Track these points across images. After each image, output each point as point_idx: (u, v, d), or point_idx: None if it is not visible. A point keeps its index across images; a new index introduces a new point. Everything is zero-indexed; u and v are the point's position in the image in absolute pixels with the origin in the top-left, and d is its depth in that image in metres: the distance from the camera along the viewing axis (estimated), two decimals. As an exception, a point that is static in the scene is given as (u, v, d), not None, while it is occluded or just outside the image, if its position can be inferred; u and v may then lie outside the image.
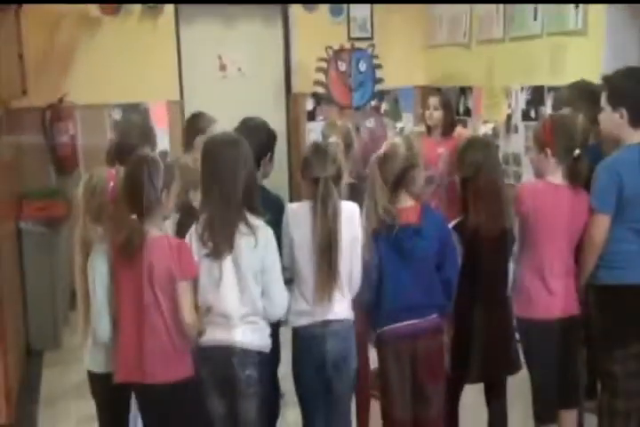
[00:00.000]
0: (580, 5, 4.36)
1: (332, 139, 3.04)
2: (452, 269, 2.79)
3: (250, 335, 2.61)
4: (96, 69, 5.24)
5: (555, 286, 2.88)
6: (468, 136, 3.19)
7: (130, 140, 3.29)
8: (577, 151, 2.84)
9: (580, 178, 2.87)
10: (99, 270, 2.60)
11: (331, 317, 2.70)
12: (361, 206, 2.75)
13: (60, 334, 4.66)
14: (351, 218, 2.70)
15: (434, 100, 4.33)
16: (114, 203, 2.61)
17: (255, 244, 2.55)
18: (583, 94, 3.42)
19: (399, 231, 2.66)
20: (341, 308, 2.72)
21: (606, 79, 2.98)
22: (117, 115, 5.31)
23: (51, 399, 3.96)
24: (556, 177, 2.89)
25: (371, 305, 2.78)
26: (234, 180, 2.57)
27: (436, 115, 4.31)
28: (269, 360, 2.75)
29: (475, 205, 2.81)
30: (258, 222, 2.59)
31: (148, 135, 3.50)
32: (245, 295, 2.58)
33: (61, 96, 5.10)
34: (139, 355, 2.53)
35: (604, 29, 4.29)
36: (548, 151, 2.87)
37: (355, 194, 2.96)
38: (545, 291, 2.88)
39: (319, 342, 2.70)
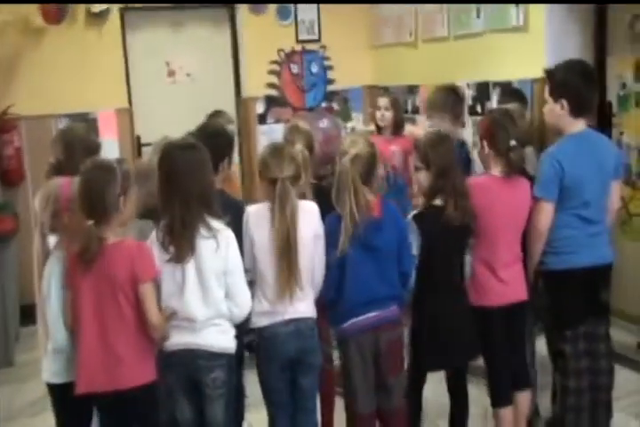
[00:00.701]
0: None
1: (298, 146, 3.08)
2: (408, 261, 2.87)
3: (215, 338, 2.63)
4: (41, 79, 5.17)
5: (504, 274, 2.98)
6: (427, 132, 3.23)
7: (73, 157, 3.26)
8: (512, 142, 2.93)
9: (515, 168, 2.97)
10: (54, 278, 2.60)
11: (293, 316, 2.74)
12: (326, 205, 2.80)
13: (11, 351, 4.54)
14: (310, 217, 2.76)
15: (383, 101, 4.38)
16: (67, 211, 2.61)
17: (217, 246, 2.58)
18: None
19: (362, 225, 2.72)
20: (303, 306, 2.76)
21: (548, 73, 3.08)
22: (64, 125, 5.22)
23: (6, 418, 3.87)
24: (497, 169, 2.98)
25: (332, 300, 2.83)
26: (192, 184, 2.58)
27: (387, 115, 4.36)
28: (235, 362, 2.76)
29: (448, 198, 2.88)
30: (218, 225, 2.61)
31: (91, 149, 3.46)
32: (209, 298, 2.60)
33: (6, 108, 5.01)
34: (102, 363, 2.52)
35: (543, 26, 4.40)
36: (485, 144, 2.98)
37: (318, 194, 3.02)
38: (495, 279, 2.98)
39: (282, 342, 2.74)
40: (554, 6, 4.37)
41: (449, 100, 4.11)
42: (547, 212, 2.98)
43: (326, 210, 2.82)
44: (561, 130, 3.04)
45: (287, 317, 2.74)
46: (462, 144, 4.05)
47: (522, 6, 4.47)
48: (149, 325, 2.52)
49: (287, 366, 2.77)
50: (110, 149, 5.02)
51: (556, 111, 3.00)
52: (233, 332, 2.69)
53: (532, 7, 4.44)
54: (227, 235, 2.62)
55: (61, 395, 2.65)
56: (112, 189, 2.51)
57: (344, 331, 2.82)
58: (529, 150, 3.44)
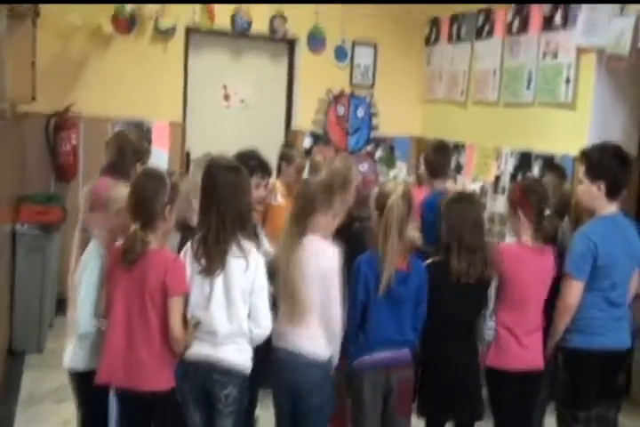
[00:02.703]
0: (571, 80, 4.65)
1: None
2: (424, 309, 2.97)
3: (234, 355, 2.72)
4: (104, 83, 5.38)
5: (526, 340, 3.06)
6: (456, 191, 3.38)
7: (123, 160, 3.42)
8: (547, 212, 3.04)
9: (546, 238, 3.07)
10: (90, 265, 2.73)
11: (285, 345, 2.83)
12: (356, 247, 2.92)
13: (43, 337, 4.69)
14: (319, 254, 2.82)
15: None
16: (102, 209, 2.79)
17: (246, 266, 2.68)
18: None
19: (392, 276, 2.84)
20: (303, 341, 2.83)
21: (584, 154, 3.15)
22: (118, 129, 5.38)
23: (29, 401, 3.98)
24: (526, 237, 3.07)
25: (350, 338, 2.92)
26: (230, 203, 2.70)
27: None
28: (250, 382, 2.83)
29: (455, 252, 2.96)
30: (249, 246, 2.72)
31: (139, 154, 3.62)
32: (233, 314, 2.69)
33: (68, 106, 5.22)
34: (123, 359, 2.61)
35: (591, 104, 4.58)
36: (519, 211, 3.07)
37: (349, 235, 3.13)
38: (516, 344, 3.05)
39: (281, 368, 2.86)
40: (602, 85, 4.54)
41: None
42: (577, 290, 3.03)
43: (355, 252, 2.93)
44: (594, 210, 3.10)
45: (282, 345, 2.84)
46: None
47: (572, 84, 4.65)
48: (170, 337, 2.61)
49: (289, 396, 2.85)
50: (160, 159, 5.20)
51: (592, 192, 3.07)
52: (250, 353, 2.77)
53: (582, 84, 4.61)
54: (257, 257, 2.73)
55: (82, 382, 2.74)
56: (161, 198, 2.64)
57: (358, 366, 2.91)
58: (565, 223, 3.57)
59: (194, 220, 2.91)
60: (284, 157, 4.33)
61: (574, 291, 3.03)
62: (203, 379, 2.72)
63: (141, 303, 2.61)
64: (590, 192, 3.07)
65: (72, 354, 2.78)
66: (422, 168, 4.14)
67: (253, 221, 2.90)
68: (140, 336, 2.62)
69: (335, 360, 2.90)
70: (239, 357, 2.74)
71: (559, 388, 3.17)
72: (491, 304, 3.09)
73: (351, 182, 3.40)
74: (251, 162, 3.28)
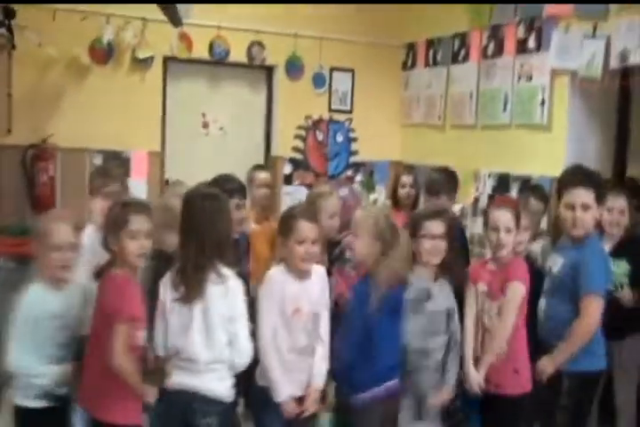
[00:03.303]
0: (546, 102, 4.71)
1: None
2: None
3: (214, 383, 2.70)
4: (82, 114, 5.34)
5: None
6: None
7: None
8: None
9: None
10: None
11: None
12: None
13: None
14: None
15: (409, 179, 4.50)
16: None
17: (225, 292, 2.68)
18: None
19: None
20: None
21: (593, 180, 3.17)
22: (98, 161, 5.39)
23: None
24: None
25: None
26: (209, 231, 2.71)
27: (412, 192, 4.49)
28: (230, 410, 2.82)
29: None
30: (228, 272, 2.72)
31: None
32: (212, 342, 2.68)
33: (46, 137, 5.19)
34: (93, 386, 2.61)
35: (566, 126, 4.63)
36: None
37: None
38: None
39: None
40: (576, 107, 4.59)
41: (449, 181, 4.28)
42: (601, 307, 2.99)
43: None
44: (588, 232, 3.10)
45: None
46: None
47: (547, 105, 4.69)
48: (110, 365, 2.52)
49: None
50: (139, 189, 5.15)
51: (596, 216, 3.11)
52: (230, 381, 2.74)
53: (557, 106, 4.66)
54: (236, 283, 2.73)
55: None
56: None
57: (373, 397, 2.87)
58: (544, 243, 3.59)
59: (169, 246, 2.91)
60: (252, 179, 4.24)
61: (599, 311, 2.98)
62: (183, 408, 2.68)
63: (100, 328, 2.60)
64: (594, 217, 3.10)
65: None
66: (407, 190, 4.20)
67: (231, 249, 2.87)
68: (92, 363, 2.60)
69: None
70: (220, 385, 2.71)
71: (559, 415, 3.07)
72: None
73: None
74: (228, 185, 3.32)
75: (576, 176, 3.21)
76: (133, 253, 2.64)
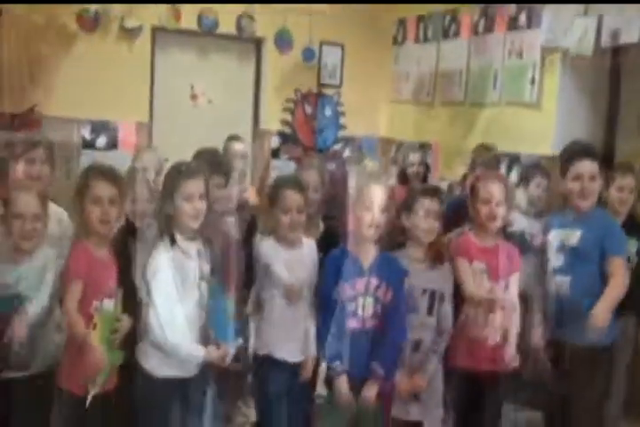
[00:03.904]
0: (536, 80, 4.72)
1: None
2: None
3: None
4: (68, 83, 5.27)
5: None
6: None
7: None
8: None
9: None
10: None
11: None
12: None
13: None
14: None
15: (416, 157, 4.59)
16: None
17: None
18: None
19: None
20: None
21: (592, 152, 3.22)
22: (86, 131, 5.35)
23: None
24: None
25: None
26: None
27: (421, 170, 4.56)
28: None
29: None
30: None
31: None
32: None
33: (32, 106, 5.12)
34: None
35: (555, 104, 4.65)
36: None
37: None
38: None
39: None
40: (567, 85, 4.61)
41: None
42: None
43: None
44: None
45: None
46: None
47: (537, 83, 4.71)
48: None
49: None
50: (126, 160, 5.11)
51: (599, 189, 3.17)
52: None
53: (547, 84, 4.67)
54: None
55: None
56: None
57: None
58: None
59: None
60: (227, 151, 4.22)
61: (627, 275, 3.04)
62: None
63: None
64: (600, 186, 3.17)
65: None
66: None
67: None
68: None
69: None
70: None
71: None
72: None
73: None
74: (212, 160, 3.28)
75: (580, 149, 3.25)
76: (96, 220, 2.60)
